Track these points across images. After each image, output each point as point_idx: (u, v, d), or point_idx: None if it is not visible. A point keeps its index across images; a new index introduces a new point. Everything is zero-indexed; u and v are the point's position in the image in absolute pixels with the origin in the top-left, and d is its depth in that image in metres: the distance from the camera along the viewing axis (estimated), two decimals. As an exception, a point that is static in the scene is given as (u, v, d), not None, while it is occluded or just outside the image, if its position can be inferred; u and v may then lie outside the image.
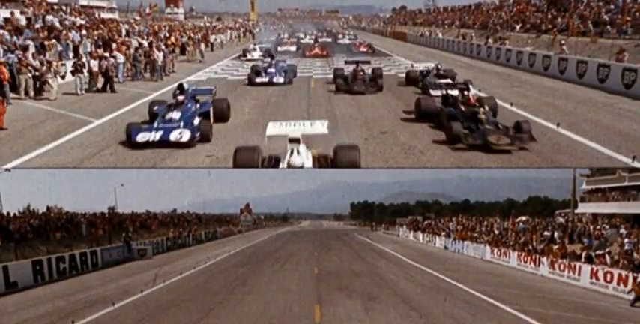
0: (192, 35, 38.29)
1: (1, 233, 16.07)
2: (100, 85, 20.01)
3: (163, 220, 33.37)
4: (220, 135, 13.28)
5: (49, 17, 25.24)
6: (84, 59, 20.35)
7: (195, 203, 48.52)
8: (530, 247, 18.10)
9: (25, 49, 19.88)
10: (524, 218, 24.44)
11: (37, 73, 18.01)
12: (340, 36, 61.70)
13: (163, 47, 26.77)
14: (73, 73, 19.66)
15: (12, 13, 23.55)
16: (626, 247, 14.20)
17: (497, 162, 11.02)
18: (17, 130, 13.66)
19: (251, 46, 37.30)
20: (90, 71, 19.70)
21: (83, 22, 29.00)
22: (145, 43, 27.52)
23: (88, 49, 23.50)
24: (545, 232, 18.88)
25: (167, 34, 35.45)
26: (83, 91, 19.34)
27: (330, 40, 59.20)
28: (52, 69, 18.65)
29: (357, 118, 15.06)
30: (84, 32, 26.02)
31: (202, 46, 34.71)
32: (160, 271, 16.22)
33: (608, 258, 13.85)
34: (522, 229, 21.40)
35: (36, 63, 18.41)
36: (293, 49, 41.82)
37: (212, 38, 42.16)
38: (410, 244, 33.21)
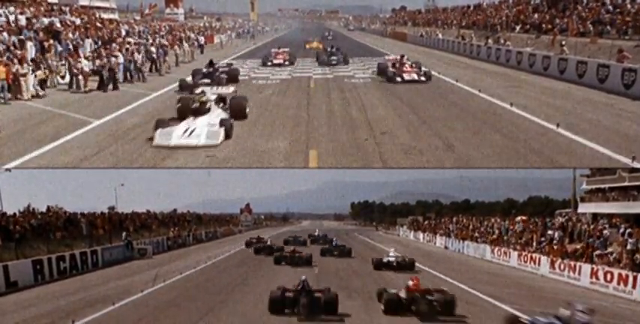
0: (172, 36, 37.49)
1: (1, 233, 16.08)
2: (91, 85, 19.80)
3: (163, 219, 33.41)
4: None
5: (47, 19, 25.11)
6: (50, 61, 19.91)
7: (195, 203, 48.46)
8: (531, 246, 18.15)
9: (21, 47, 19.79)
10: (523, 218, 24.47)
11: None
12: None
13: (158, 48, 26.71)
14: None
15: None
16: (628, 246, 14.22)
17: (497, 162, 11.02)
18: (17, 130, 13.65)
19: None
20: (79, 72, 19.51)
21: (81, 22, 28.90)
22: (144, 43, 27.49)
23: (88, 50, 23.44)
24: (549, 232, 18.90)
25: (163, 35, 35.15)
26: (43, 91, 18.37)
27: None
28: (24, 67, 17.76)
29: (357, 118, 15.06)
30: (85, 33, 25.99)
31: (186, 46, 33.73)
32: (160, 270, 16.24)
33: (610, 258, 13.89)
34: (522, 229, 21.42)
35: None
36: None
37: (202, 40, 40.54)
38: (410, 243, 33.25)
